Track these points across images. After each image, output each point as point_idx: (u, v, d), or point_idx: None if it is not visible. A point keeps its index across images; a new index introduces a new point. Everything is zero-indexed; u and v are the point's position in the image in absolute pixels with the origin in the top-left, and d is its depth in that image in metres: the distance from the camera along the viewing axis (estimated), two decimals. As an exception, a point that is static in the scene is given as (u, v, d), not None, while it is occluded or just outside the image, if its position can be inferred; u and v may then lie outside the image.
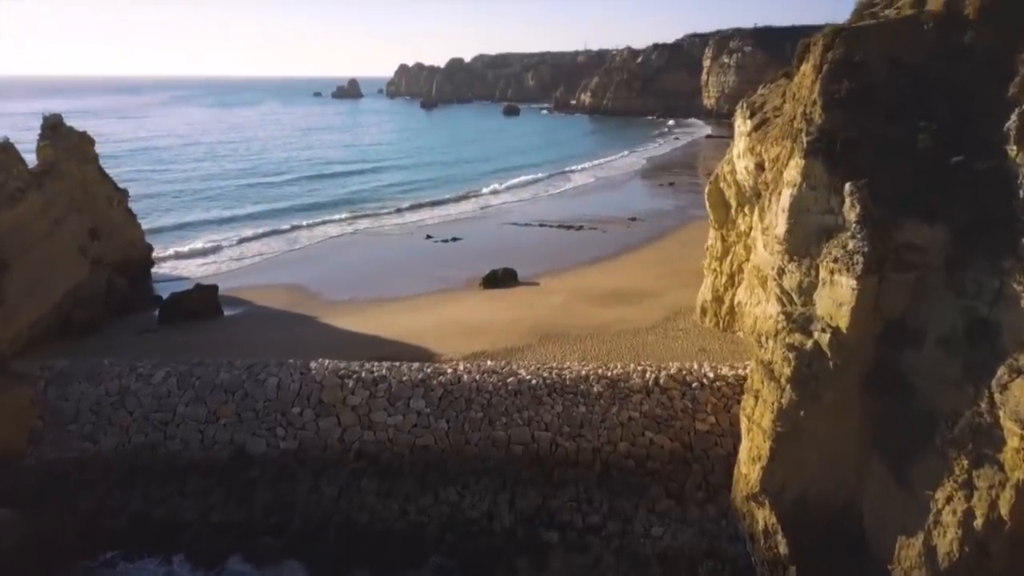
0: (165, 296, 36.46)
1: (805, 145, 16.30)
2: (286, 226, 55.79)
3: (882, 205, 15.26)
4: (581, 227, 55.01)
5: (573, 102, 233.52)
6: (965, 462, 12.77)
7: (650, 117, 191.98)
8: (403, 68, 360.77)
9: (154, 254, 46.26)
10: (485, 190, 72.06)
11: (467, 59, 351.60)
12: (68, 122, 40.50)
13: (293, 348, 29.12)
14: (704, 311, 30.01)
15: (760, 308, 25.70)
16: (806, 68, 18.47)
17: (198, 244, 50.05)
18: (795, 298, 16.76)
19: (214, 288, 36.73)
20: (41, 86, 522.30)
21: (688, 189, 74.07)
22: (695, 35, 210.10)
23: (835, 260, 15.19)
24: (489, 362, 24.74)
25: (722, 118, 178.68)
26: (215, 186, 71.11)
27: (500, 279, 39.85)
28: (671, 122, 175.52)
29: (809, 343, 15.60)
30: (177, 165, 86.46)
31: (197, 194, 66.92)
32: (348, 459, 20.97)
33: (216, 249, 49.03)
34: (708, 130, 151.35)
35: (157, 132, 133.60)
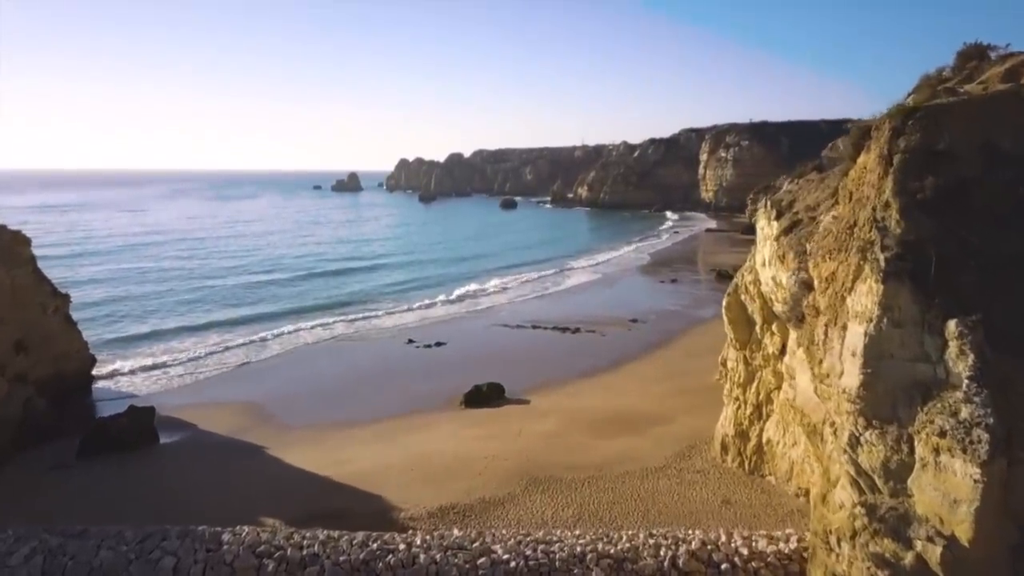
0: (109, 414, 31.48)
1: (882, 264, 11.68)
2: (260, 331, 50.83)
3: (1005, 351, 10.47)
4: (578, 329, 50.20)
5: (570, 195, 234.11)
6: None
7: (647, 210, 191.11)
8: (403, 162, 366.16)
9: (108, 367, 41.31)
10: (476, 288, 67.37)
11: (467, 154, 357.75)
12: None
13: (225, 495, 23.76)
14: (725, 448, 24.70)
15: (797, 451, 20.45)
16: (867, 160, 14.13)
17: (158, 354, 44.94)
18: (879, 482, 11.72)
19: (150, 411, 31.44)
20: (46, 179, 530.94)
21: (690, 286, 69.85)
22: (691, 130, 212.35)
23: (941, 434, 10.30)
24: (456, 531, 19.21)
25: (720, 211, 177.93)
26: (197, 286, 66.30)
27: (485, 396, 34.64)
28: (669, 215, 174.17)
29: (908, 557, 10.50)
30: (163, 263, 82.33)
31: (176, 295, 62.15)
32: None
33: (175, 360, 43.82)
34: (707, 223, 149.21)
35: (150, 226, 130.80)
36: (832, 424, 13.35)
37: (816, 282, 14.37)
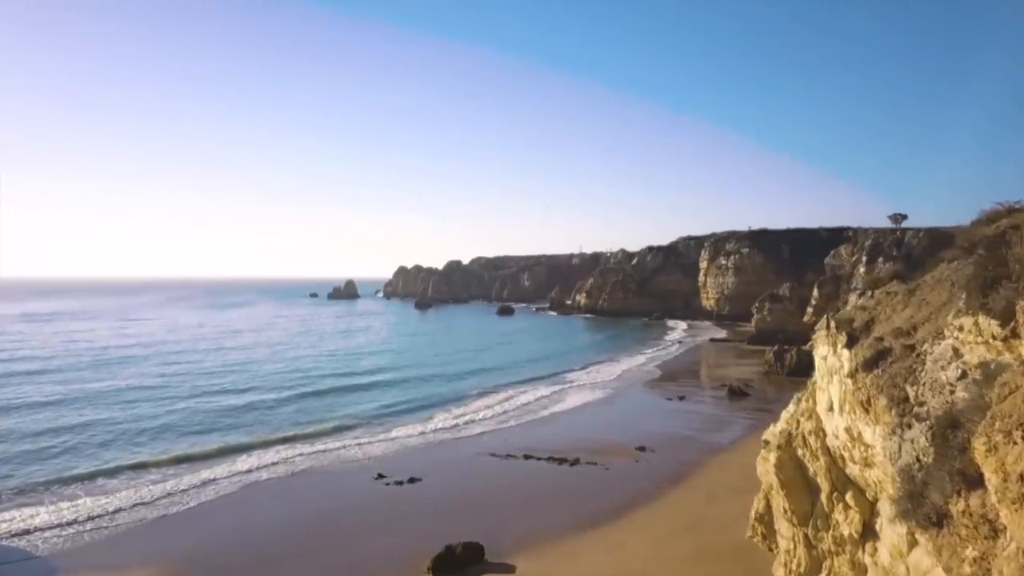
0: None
1: None
2: (214, 466, 43.73)
3: None
4: (577, 460, 43.21)
5: (568, 302, 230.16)
6: None
7: (647, 318, 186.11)
8: (402, 270, 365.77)
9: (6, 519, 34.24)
10: (466, 409, 60.05)
11: (465, 261, 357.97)
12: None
13: None
14: (782, 662, 17.68)
15: None
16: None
17: (81, 499, 37.73)
18: None
19: (23, 585, 24.42)
20: (47, 287, 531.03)
21: (700, 404, 63.17)
22: (689, 237, 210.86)
23: None
24: None
25: (723, 319, 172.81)
26: (161, 411, 58.09)
27: (458, 560, 27.44)
28: (670, 323, 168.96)
29: None
30: (133, 380, 75.28)
31: (134, 422, 54.37)
32: None
33: (98, 508, 36.52)
34: (710, 332, 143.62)
35: (132, 338, 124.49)
36: None
37: (991, 477, 8.34)
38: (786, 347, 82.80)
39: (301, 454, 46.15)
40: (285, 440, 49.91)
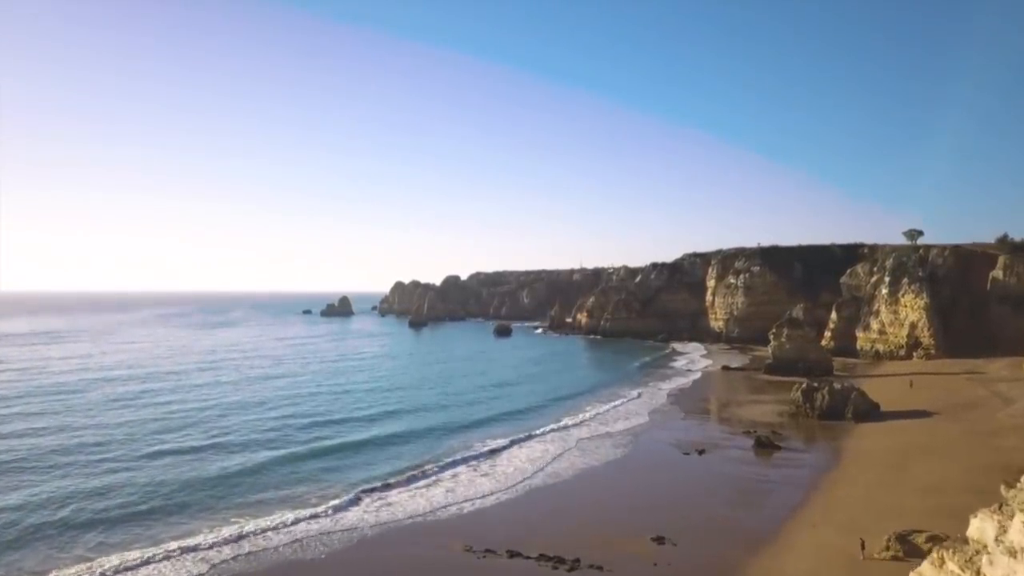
0: None
1: None
2: (124, 554, 34.11)
3: None
4: (576, 563, 33.26)
5: (569, 320, 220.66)
6: None
7: (652, 340, 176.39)
8: (398, 285, 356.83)
9: None
10: (437, 475, 49.24)
11: (464, 276, 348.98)
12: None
13: None
14: None
15: None
16: None
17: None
18: None
19: None
20: (42, 303, 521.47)
21: (725, 463, 53.06)
22: (695, 254, 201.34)
23: None
24: None
25: (733, 341, 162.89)
26: (103, 470, 48.00)
27: None
28: (677, 347, 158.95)
29: None
30: (84, 419, 65.79)
31: (65, 486, 44.61)
32: None
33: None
34: (720, 358, 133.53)
35: (105, 366, 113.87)
36: None
37: None
38: (815, 385, 72.93)
39: (220, 541, 36.04)
40: (226, 509, 40.22)
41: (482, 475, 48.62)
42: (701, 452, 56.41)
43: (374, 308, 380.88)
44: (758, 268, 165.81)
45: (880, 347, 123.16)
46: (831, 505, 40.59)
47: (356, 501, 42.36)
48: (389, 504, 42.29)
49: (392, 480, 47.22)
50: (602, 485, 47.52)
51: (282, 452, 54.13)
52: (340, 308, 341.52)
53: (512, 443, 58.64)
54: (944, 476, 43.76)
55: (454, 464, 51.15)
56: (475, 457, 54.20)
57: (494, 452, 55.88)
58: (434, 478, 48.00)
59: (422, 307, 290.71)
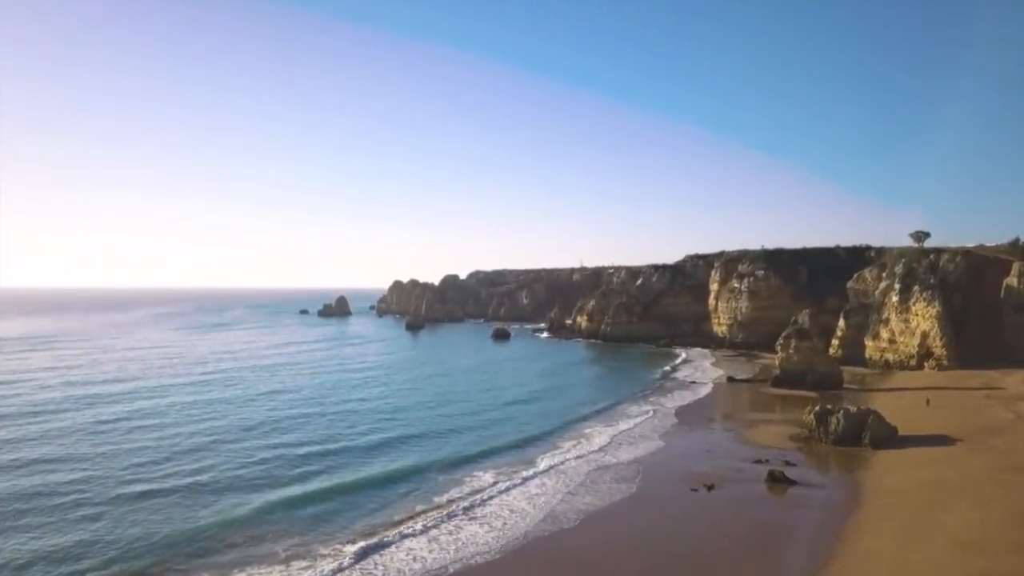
0: None
1: None
2: None
3: None
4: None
5: (569, 322, 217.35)
6: None
7: (653, 345, 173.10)
8: (397, 284, 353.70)
9: None
10: (436, 523, 45.72)
11: (463, 274, 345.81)
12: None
13: None
14: None
15: None
16: None
17: None
18: None
19: None
20: (38, 301, 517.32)
21: (734, 500, 49.50)
22: (698, 256, 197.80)
23: None
24: None
25: (737, 347, 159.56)
26: (79, 519, 44.96)
27: None
28: (680, 353, 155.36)
29: None
30: (58, 449, 62.11)
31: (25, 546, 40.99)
32: None
33: None
34: (724, 367, 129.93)
35: (86, 377, 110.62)
36: None
37: None
38: (829, 408, 69.36)
39: None
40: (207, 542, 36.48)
41: (480, 524, 44.72)
42: (710, 488, 52.78)
43: (372, 308, 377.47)
44: (762, 272, 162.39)
45: (890, 356, 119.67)
46: (856, 566, 36.94)
47: (340, 570, 38.22)
48: (383, 565, 38.52)
49: (384, 533, 43.32)
50: (608, 533, 43.84)
51: (268, 498, 49.46)
52: (337, 308, 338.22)
53: (511, 481, 54.44)
54: (982, 528, 40.13)
55: (451, 514, 46.50)
56: (472, 498, 50.37)
57: (492, 492, 52.07)
58: (427, 529, 44.08)
59: (420, 308, 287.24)
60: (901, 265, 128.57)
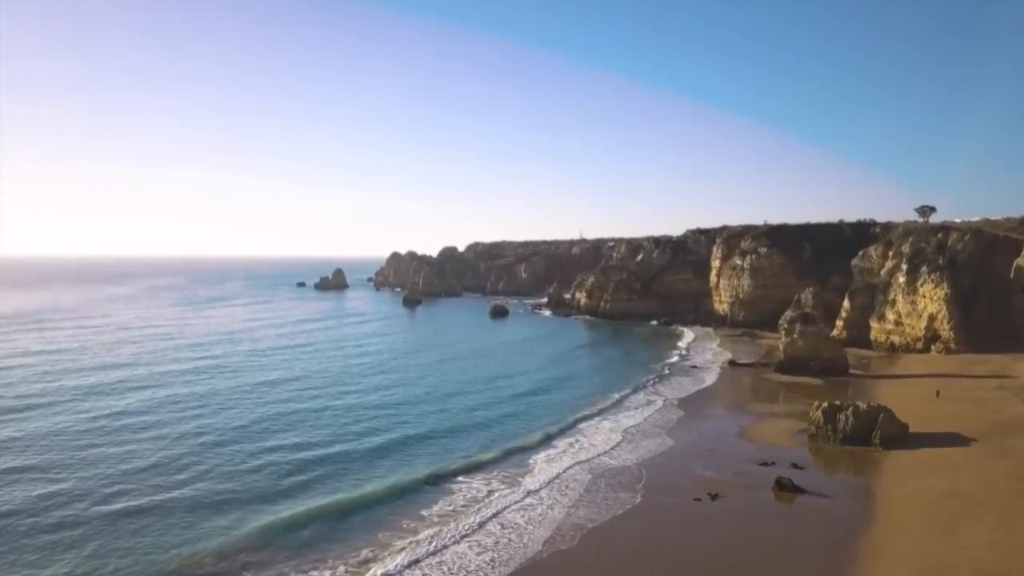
0: None
1: None
2: None
3: None
4: None
5: (567, 296, 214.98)
6: None
7: (655, 322, 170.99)
8: (395, 257, 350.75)
9: None
10: (431, 552, 42.81)
11: (461, 247, 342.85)
12: None
13: None
14: None
15: None
16: None
17: None
18: None
19: None
20: (32, 271, 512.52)
21: (739, 511, 47.33)
22: (699, 231, 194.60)
23: None
24: None
25: (738, 325, 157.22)
26: (43, 547, 42.61)
27: None
28: (683, 333, 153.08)
29: None
30: (34, 459, 58.89)
31: None
32: None
33: None
34: (727, 350, 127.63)
35: (84, 361, 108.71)
36: None
37: None
38: (837, 403, 67.03)
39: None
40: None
41: (477, 548, 42.47)
42: (714, 497, 50.61)
43: (369, 280, 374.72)
44: (765, 249, 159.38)
45: (896, 339, 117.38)
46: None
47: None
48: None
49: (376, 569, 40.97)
50: (609, 554, 41.75)
51: (260, 521, 46.79)
52: (334, 281, 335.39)
53: (510, 500, 51.39)
54: (1007, 549, 37.95)
55: (451, 541, 43.43)
56: (469, 517, 48.07)
57: (490, 507, 49.72)
58: (422, 558, 41.85)
59: (417, 283, 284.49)
60: (908, 244, 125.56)
